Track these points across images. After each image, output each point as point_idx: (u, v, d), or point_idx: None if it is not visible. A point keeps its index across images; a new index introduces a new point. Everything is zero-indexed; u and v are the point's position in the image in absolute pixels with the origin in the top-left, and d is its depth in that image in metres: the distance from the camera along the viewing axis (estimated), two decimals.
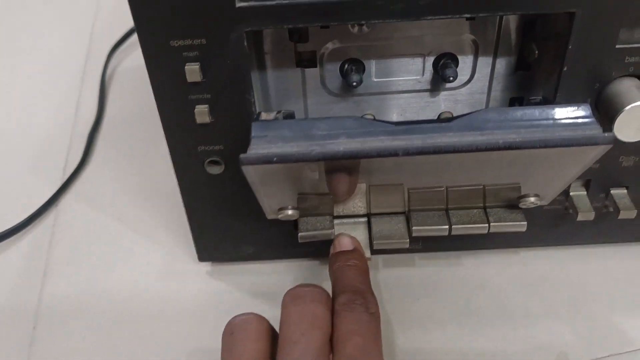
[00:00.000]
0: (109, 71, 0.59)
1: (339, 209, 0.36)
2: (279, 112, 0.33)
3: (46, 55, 0.61)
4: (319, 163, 0.30)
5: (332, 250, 0.36)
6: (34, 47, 0.62)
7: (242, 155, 0.28)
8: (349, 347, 0.29)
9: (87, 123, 0.53)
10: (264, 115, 0.33)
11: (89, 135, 0.52)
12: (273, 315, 0.39)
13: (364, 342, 0.29)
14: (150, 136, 0.51)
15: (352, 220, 0.37)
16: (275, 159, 0.28)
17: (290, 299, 0.31)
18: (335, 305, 0.31)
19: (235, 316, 0.32)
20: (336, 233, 0.36)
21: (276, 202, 0.34)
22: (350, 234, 0.36)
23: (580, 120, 0.28)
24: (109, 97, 0.56)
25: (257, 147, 0.28)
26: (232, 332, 0.31)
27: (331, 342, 0.30)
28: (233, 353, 0.30)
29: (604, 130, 0.28)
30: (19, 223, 0.45)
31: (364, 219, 0.37)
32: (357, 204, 0.36)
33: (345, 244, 0.36)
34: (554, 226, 0.40)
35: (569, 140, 0.27)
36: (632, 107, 0.31)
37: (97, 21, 0.64)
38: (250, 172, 0.29)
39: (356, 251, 0.35)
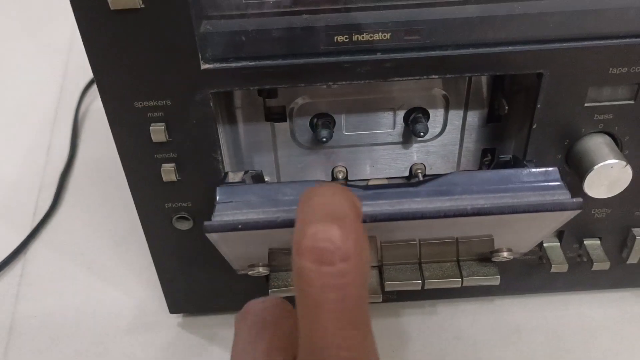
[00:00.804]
0: (82, 110, 0.58)
1: None
2: (245, 172, 0.33)
3: (18, 93, 0.60)
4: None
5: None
6: (6, 85, 0.61)
7: (206, 223, 0.27)
8: None
9: (60, 164, 0.52)
10: (231, 176, 0.32)
11: (60, 178, 0.51)
12: None
13: None
14: (123, 180, 0.50)
15: None
16: (240, 226, 0.27)
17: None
18: None
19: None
20: None
21: (246, 261, 0.34)
22: None
23: (548, 184, 0.28)
24: (82, 137, 0.56)
25: (222, 214, 0.28)
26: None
27: None
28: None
29: (573, 194, 0.28)
30: None
31: None
32: None
33: None
34: (528, 275, 0.40)
35: (537, 206, 0.27)
36: (601, 165, 0.31)
37: (71, 60, 0.63)
38: (216, 239, 0.28)
39: None
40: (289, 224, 0.27)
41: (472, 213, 0.27)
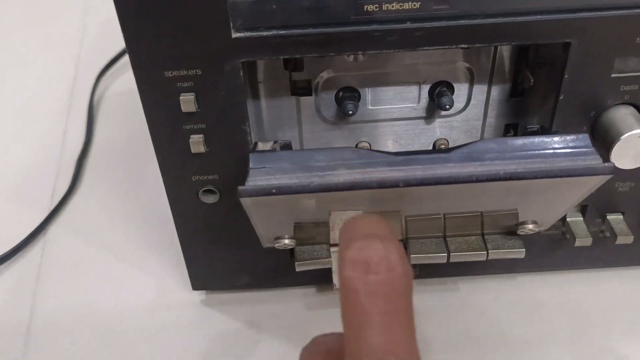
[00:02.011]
0: (96, 96, 0.58)
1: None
2: (275, 142, 0.33)
3: (33, 81, 0.60)
4: (317, 194, 0.30)
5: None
6: (21, 73, 0.61)
7: (240, 188, 0.28)
8: None
9: (75, 149, 0.53)
10: (260, 146, 0.32)
11: (77, 162, 0.51)
12: (270, 345, 0.39)
13: None
14: (140, 162, 0.51)
15: None
16: (274, 191, 0.27)
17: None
18: None
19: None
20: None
21: (273, 231, 0.34)
22: None
23: (579, 150, 0.28)
24: (97, 122, 0.56)
25: (256, 179, 0.28)
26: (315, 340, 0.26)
27: None
28: None
29: (602, 160, 0.28)
30: (4, 253, 0.44)
31: None
32: None
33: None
34: (551, 251, 0.40)
35: (569, 171, 0.27)
36: (628, 135, 0.31)
37: (84, 46, 0.64)
38: (248, 204, 0.29)
39: None
40: (323, 188, 0.28)
41: (505, 177, 0.27)
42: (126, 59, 0.60)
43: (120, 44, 0.60)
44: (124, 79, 0.60)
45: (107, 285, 0.43)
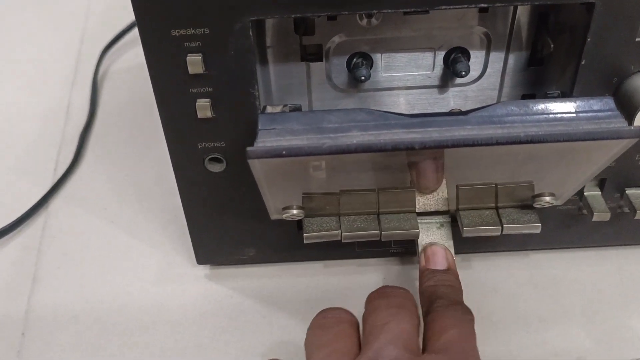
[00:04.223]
0: (101, 72, 0.57)
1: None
2: (285, 105, 0.32)
3: (37, 56, 0.59)
4: (326, 159, 0.29)
5: (422, 262, 0.34)
6: (25, 48, 0.60)
7: (249, 148, 0.26)
8: (444, 338, 0.28)
9: (79, 123, 0.52)
10: (269, 109, 0.31)
11: (81, 136, 0.50)
12: (276, 320, 0.38)
13: (460, 335, 0.28)
14: (144, 136, 0.50)
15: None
16: (284, 152, 0.26)
17: (377, 295, 0.31)
18: (432, 308, 0.31)
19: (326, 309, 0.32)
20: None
21: (281, 200, 0.33)
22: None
23: (603, 114, 0.27)
24: (101, 97, 0.55)
25: (265, 140, 0.27)
26: (325, 316, 0.31)
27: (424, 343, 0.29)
28: (324, 337, 0.30)
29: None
30: (6, 226, 0.43)
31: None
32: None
33: (439, 262, 0.33)
34: (566, 227, 0.38)
35: (594, 134, 0.26)
36: None
37: (89, 22, 0.62)
38: (257, 167, 0.27)
39: (450, 272, 0.33)
40: (335, 150, 0.27)
41: (526, 140, 0.26)
42: (131, 35, 0.59)
43: (125, 19, 0.59)
44: (129, 55, 0.59)
45: (109, 259, 0.42)
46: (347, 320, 0.30)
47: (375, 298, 0.31)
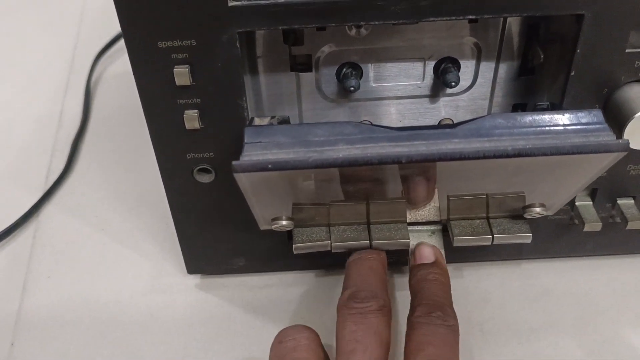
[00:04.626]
0: (94, 78, 0.57)
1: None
2: (273, 117, 0.31)
3: (31, 62, 0.59)
4: (315, 172, 0.29)
5: (411, 261, 0.34)
6: (19, 53, 0.60)
7: (234, 162, 0.26)
8: (420, 357, 0.28)
9: (72, 130, 0.51)
10: (257, 121, 0.31)
11: (73, 142, 0.50)
12: (267, 330, 0.38)
13: (438, 354, 0.28)
14: (136, 144, 0.50)
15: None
16: (270, 166, 0.26)
17: (345, 309, 0.31)
18: (411, 318, 0.30)
19: (286, 327, 0.31)
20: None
21: (270, 212, 0.32)
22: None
23: (592, 127, 0.27)
24: (94, 103, 0.54)
25: (251, 154, 0.27)
26: (281, 340, 0.30)
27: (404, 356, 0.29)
28: None
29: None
30: None
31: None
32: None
33: (426, 256, 0.34)
34: (558, 237, 0.38)
35: (581, 148, 0.26)
36: None
37: (83, 27, 0.62)
38: (243, 180, 0.27)
39: (437, 264, 0.33)
40: (322, 164, 0.26)
41: (513, 154, 0.26)
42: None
43: (119, 26, 0.59)
44: (123, 61, 0.59)
45: (100, 268, 0.41)
46: (305, 339, 0.30)
47: (344, 312, 0.31)
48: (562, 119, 0.27)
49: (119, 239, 0.43)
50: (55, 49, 0.60)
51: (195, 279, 0.40)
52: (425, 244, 0.34)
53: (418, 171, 0.31)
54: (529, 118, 0.27)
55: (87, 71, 0.56)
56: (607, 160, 0.27)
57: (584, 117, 0.27)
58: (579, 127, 0.27)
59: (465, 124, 0.27)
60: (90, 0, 0.65)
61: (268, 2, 0.28)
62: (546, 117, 0.27)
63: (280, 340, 0.30)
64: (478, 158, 0.26)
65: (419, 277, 0.33)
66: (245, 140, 0.27)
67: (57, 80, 0.57)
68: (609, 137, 0.26)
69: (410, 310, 0.31)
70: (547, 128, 0.27)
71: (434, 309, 0.30)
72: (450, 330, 0.30)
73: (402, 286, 0.39)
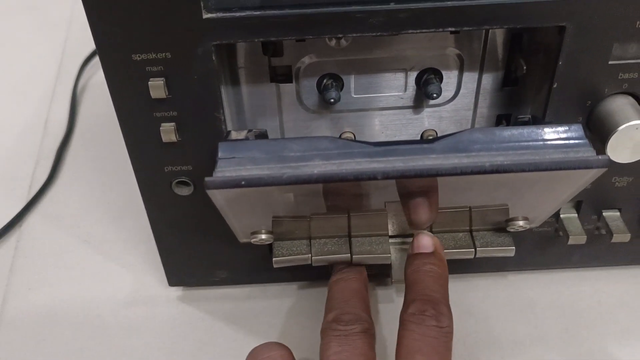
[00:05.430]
0: (80, 85, 0.56)
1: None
2: (249, 131, 0.31)
3: (17, 69, 0.58)
4: (291, 187, 0.28)
5: (409, 251, 0.33)
6: (5, 60, 0.59)
7: (207, 179, 0.26)
8: None
9: (57, 138, 0.51)
10: (233, 135, 0.31)
11: (58, 151, 0.50)
12: (249, 343, 0.37)
13: None
14: (121, 153, 0.48)
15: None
16: (243, 182, 0.26)
17: (330, 330, 0.30)
18: (404, 315, 0.29)
19: (259, 345, 0.31)
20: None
21: (248, 226, 0.32)
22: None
23: (572, 142, 0.26)
24: (80, 111, 0.54)
25: (224, 170, 0.26)
26: (255, 359, 0.30)
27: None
28: None
29: (598, 152, 0.26)
30: None
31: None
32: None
33: (424, 245, 0.32)
34: (543, 249, 0.38)
35: (560, 164, 0.25)
36: (626, 126, 0.29)
37: (70, 35, 0.62)
38: (217, 197, 0.27)
39: (436, 254, 0.32)
40: (296, 180, 0.26)
41: (491, 170, 0.26)
42: None
43: None
44: None
45: (82, 279, 0.41)
46: (279, 357, 0.29)
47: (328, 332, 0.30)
48: (542, 134, 0.27)
49: (101, 250, 0.43)
50: (42, 57, 0.59)
51: (177, 291, 0.40)
52: (425, 233, 0.33)
53: (411, 187, 0.30)
54: (508, 133, 0.27)
55: (73, 79, 0.56)
56: (587, 176, 0.27)
57: (563, 132, 0.27)
58: (558, 142, 0.27)
59: (443, 139, 0.27)
60: (78, 8, 0.64)
61: (243, 14, 0.27)
62: (525, 132, 0.27)
63: (253, 359, 0.30)
64: (455, 174, 0.26)
65: (414, 266, 0.32)
66: (219, 156, 0.27)
67: (44, 87, 0.56)
68: (588, 152, 0.26)
69: (404, 305, 0.30)
70: (526, 143, 0.26)
71: (428, 307, 0.29)
72: (442, 334, 0.28)
73: (385, 299, 0.39)
